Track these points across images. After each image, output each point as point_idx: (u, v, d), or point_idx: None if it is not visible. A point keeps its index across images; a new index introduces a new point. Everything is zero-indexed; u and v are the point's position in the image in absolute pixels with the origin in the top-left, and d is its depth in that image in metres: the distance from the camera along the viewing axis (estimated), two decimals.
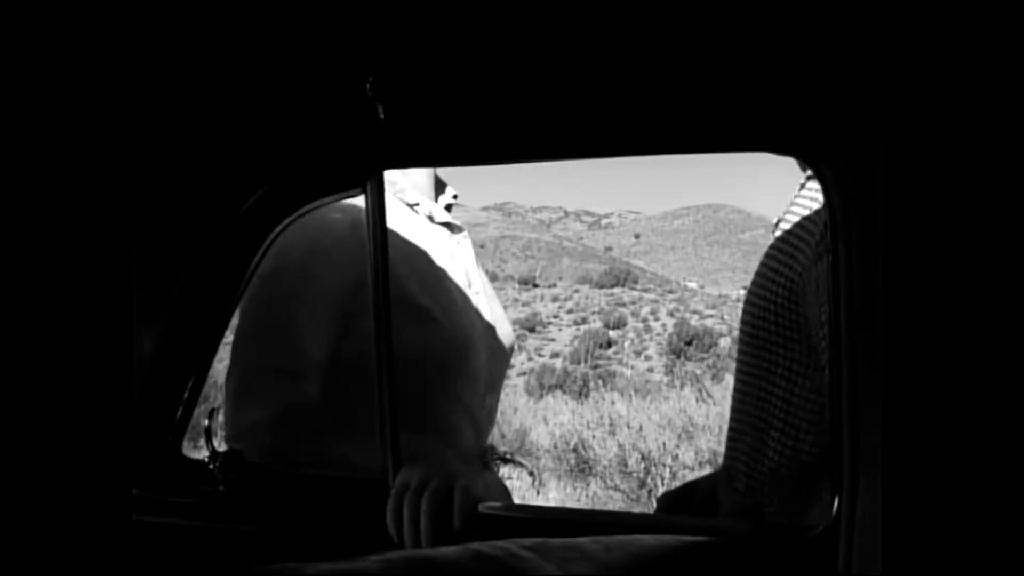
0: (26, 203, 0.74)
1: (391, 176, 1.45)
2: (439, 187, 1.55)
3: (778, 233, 1.27)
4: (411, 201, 1.49)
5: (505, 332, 1.54)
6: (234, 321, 1.37)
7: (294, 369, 1.35)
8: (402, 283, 1.33)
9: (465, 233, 1.55)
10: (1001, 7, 0.70)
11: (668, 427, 9.58)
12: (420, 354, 1.34)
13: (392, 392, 1.18)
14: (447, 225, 1.52)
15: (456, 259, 1.49)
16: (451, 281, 1.44)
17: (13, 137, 0.73)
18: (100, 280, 0.77)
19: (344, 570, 0.72)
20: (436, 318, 1.37)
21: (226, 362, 1.43)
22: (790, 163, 1.33)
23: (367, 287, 1.19)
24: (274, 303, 1.37)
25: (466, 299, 1.45)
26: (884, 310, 0.78)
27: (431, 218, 1.50)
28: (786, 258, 1.20)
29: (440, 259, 1.45)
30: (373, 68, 1.08)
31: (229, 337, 1.38)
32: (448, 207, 1.57)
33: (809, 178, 1.25)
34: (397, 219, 1.40)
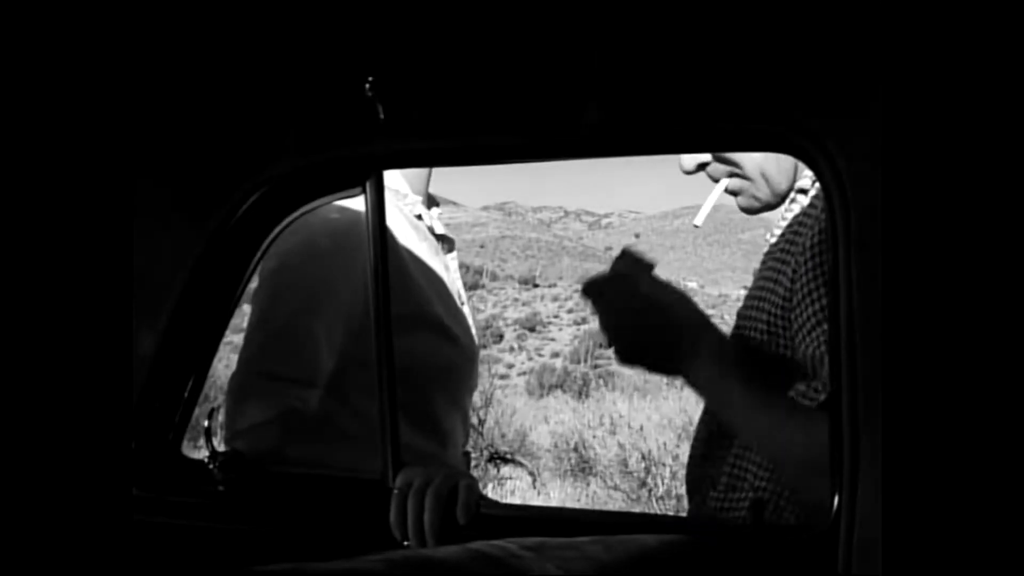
0: (27, 203, 0.74)
1: (399, 187, 1.49)
2: (430, 202, 1.59)
3: (771, 241, 1.27)
4: (416, 212, 1.53)
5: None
6: (235, 321, 1.37)
7: (301, 378, 1.36)
8: (427, 300, 1.42)
9: (455, 247, 1.63)
10: (1001, 8, 0.70)
11: (668, 427, 9.58)
12: (441, 368, 1.45)
13: (392, 393, 1.18)
14: (443, 238, 1.57)
15: (450, 272, 1.55)
16: (458, 298, 1.52)
17: (14, 138, 0.73)
18: (100, 280, 0.77)
19: (344, 570, 0.72)
20: (455, 335, 1.46)
21: (226, 362, 1.43)
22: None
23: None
24: (289, 309, 1.38)
25: (466, 313, 1.53)
26: (884, 310, 0.78)
27: (432, 230, 1.55)
28: (774, 272, 1.20)
29: (447, 277, 1.52)
30: (373, 68, 1.08)
31: (229, 337, 1.38)
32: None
33: (799, 191, 1.25)
34: (411, 234, 1.47)
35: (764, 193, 1.29)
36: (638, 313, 1.16)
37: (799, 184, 1.25)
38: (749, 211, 1.33)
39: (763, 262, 1.27)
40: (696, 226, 1.41)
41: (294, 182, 1.25)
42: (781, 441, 1.08)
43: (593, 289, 1.19)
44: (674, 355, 1.15)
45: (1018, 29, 0.69)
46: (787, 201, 1.28)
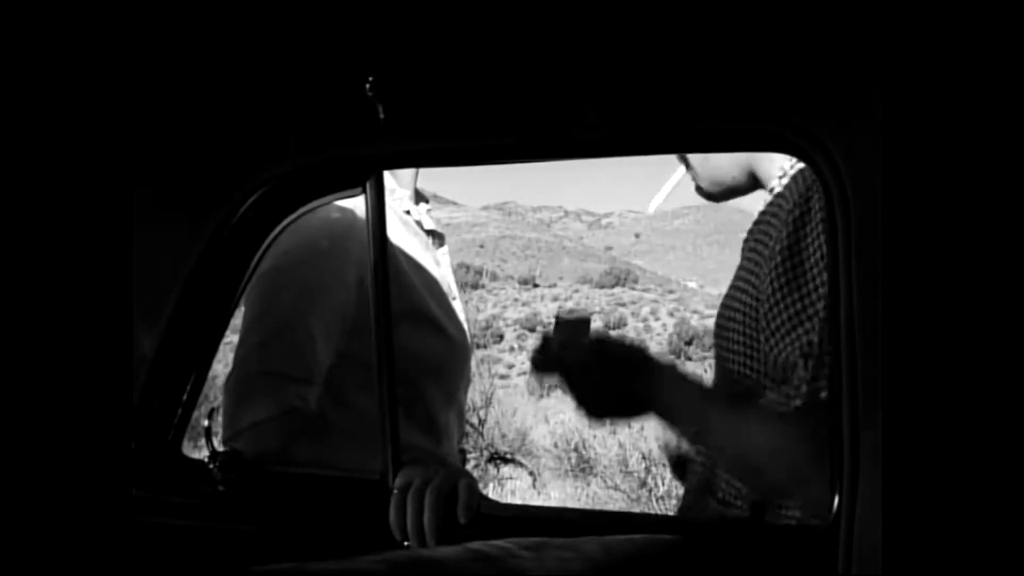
0: (27, 204, 0.74)
1: (386, 183, 1.49)
2: (418, 198, 1.60)
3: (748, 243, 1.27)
4: (404, 208, 1.53)
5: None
6: (235, 321, 1.37)
7: (301, 376, 1.36)
8: (419, 296, 1.43)
9: (445, 242, 1.63)
10: (1001, 8, 0.70)
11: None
12: (435, 364, 1.45)
13: (392, 392, 1.18)
14: (432, 233, 1.58)
15: (441, 267, 1.55)
16: (448, 291, 1.52)
17: (14, 138, 0.73)
18: (100, 280, 0.77)
19: (344, 570, 0.72)
20: (448, 330, 1.46)
21: (225, 362, 1.43)
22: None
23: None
24: (286, 308, 1.38)
25: (458, 308, 1.53)
26: (884, 309, 0.78)
27: (420, 224, 1.56)
28: (746, 271, 1.20)
29: (438, 272, 1.52)
30: (373, 68, 1.08)
31: (229, 337, 1.38)
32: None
33: (774, 192, 1.24)
34: (401, 230, 1.47)
35: (705, 182, 1.31)
36: (593, 372, 1.19)
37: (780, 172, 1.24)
38: (702, 196, 1.36)
39: (741, 255, 1.26)
40: (650, 212, 1.43)
41: (294, 182, 1.25)
42: (758, 450, 1.08)
43: (543, 367, 1.23)
44: (639, 397, 1.18)
45: (1018, 29, 0.69)
46: (769, 192, 1.27)
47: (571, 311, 1.26)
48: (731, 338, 1.19)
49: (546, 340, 1.23)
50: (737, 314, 1.18)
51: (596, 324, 1.28)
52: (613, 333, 1.28)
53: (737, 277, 1.23)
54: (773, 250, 1.12)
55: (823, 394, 1.02)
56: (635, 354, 1.19)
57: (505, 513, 1.21)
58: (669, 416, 1.17)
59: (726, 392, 1.20)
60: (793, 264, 1.09)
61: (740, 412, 1.13)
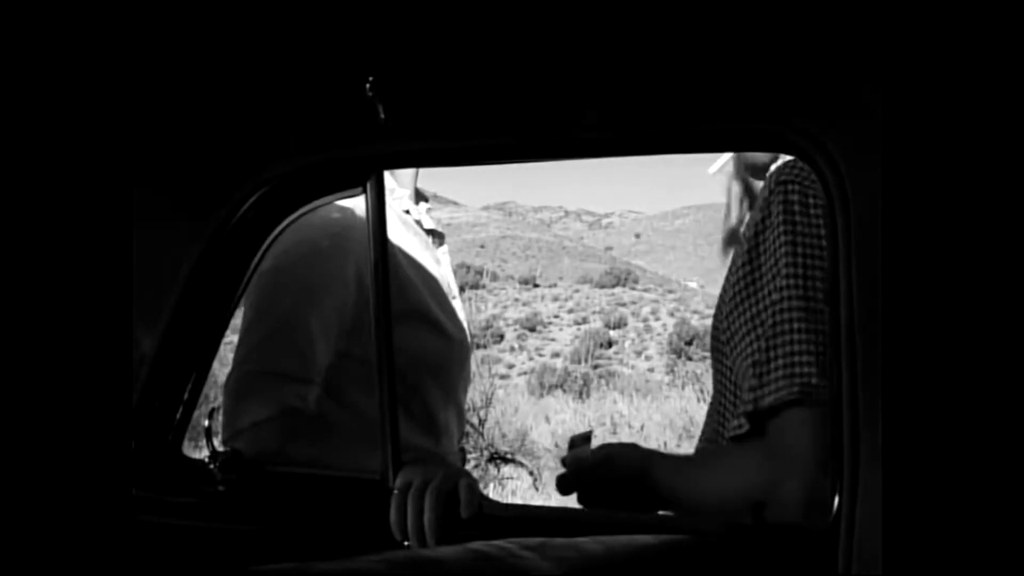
0: (27, 204, 0.74)
1: (386, 182, 1.49)
2: (418, 198, 1.60)
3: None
4: (405, 208, 1.53)
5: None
6: (235, 321, 1.37)
7: (300, 376, 1.36)
8: (418, 295, 1.43)
9: (445, 241, 1.63)
10: (1001, 8, 0.70)
11: (669, 427, 9.57)
12: (434, 363, 1.45)
13: (392, 392, 1.18)
14: (432, 232, 1.58)
15: (441, 266, 1.55)
16: (448, 291, 1.52)
17: (15, 138, 0.73)
18: (100, 280, 0.77)
19: (344, 570, 0.72)
20: (448, 330, 1.46)
21: (226, 362, 1.43)
22: None
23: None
24: (286, 307, 1.38)
25: (457, 308, 1.54)
26: (884, 309, 0.78)
27: (420, 224, 1.56)
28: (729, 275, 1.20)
29: (437, 270, 1.52)
30: (373, 68, 1.08)
31: (229, 337, 1.38)
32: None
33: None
34: (400, 229, 1.47)
35: (747, 160, 1.33)
36: (602, 482, 1.25)
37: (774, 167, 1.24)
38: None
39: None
40: (710, 173, 1.44)
41: (294, 182, 1.25)
42: (746, 487, 1.06)
43: (566, 490, 1.28)
44: (647, 495, 1.20)
45: (1018, 29, 0.69)
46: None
47: (580, 432, 1.35)
48: (719, 339, 1.19)
49: (563, 462, 1.30)
50: (721, 313, 1.19)
51: (595, 433, 1.37)
52: (609, 444, 1.37)
53: (725, 279, 1.23)
54: (740, 252, 1.12)
55: (767, 401, 1.00)
56: (623, 452, 1.26)
57: (506, 513, 1.21)
58: (672, 498, 1.19)
59: (704, 448, 1.24)
60: (752, 269, 1.07)
61: (715, 460, 1.16)
